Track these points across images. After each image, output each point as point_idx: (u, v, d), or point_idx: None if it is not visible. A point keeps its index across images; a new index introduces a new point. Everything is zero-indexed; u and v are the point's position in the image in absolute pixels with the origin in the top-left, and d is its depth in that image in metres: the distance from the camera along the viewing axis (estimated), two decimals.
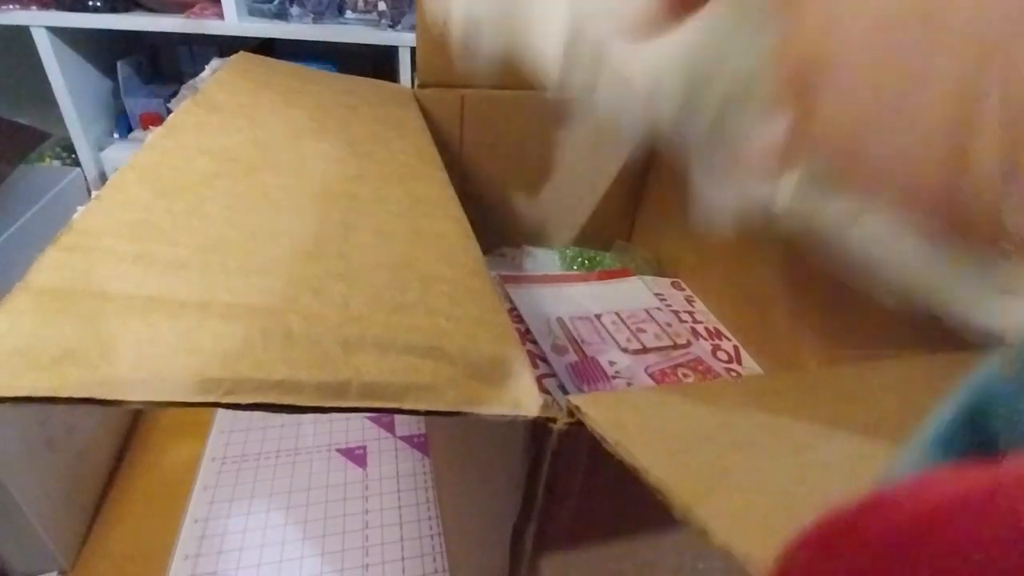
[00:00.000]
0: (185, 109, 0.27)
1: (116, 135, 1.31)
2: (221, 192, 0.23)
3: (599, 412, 0.17)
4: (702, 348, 0.49)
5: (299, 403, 0.16)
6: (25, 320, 0.14)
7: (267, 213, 0.23)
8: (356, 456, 0.50)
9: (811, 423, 0.17)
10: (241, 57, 0.37)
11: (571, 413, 0.18)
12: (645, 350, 0.48)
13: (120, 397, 0.14)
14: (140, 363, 0.15)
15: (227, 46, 1.10)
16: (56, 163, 1.29)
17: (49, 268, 0.16)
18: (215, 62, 1.01)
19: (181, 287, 0.17)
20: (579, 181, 0.59)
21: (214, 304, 0.17)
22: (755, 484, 0.14)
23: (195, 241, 0.19)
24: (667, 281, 0.58)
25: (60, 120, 1.20)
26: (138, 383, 0.14)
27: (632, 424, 0.16)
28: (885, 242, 0.22)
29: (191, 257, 0.19)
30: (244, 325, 0.17)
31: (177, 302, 0.17)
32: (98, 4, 1.10)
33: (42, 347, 0.14)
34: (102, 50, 1.26)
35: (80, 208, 0.18)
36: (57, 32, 1.13)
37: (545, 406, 0.18)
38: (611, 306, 0.52)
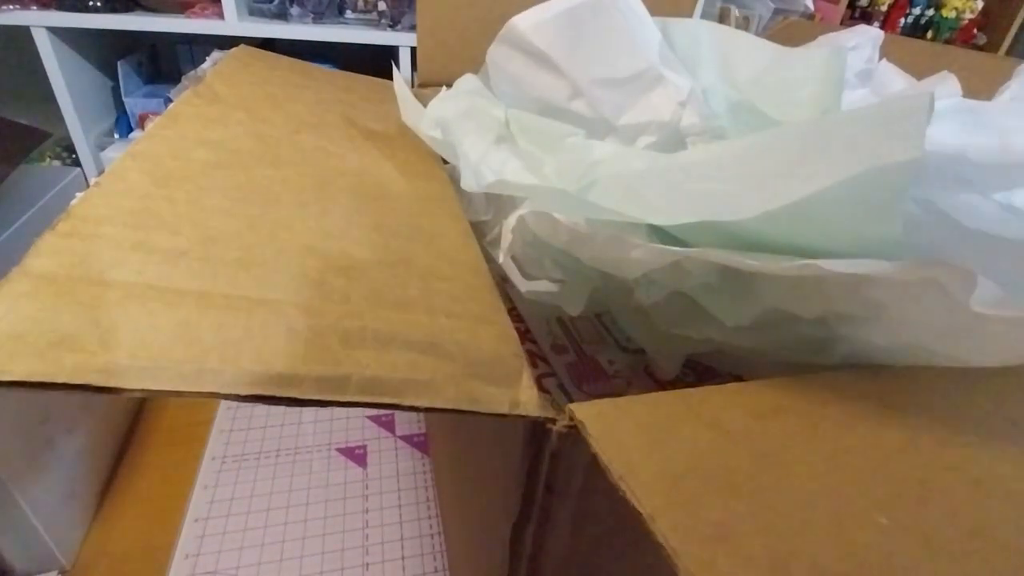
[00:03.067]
0: (185, 100, 0.27)
1: (116, 135, 1.31)
2: (221, 183, 0.23)
3: (602, 429, 0.17)
4: None
5: (298, 396, 0.16)
6: (22, 305, 0.14)
7: (267, 206, 0.22)
8: (356, 455, 0.50)
9: (815, 455, 0.16)
10: (242, 50, 0.36)
11: (571, 418, 0.17)
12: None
13: (117, 384, 0.14)
14: (138, 351, 0.14)
15: (227, 46, 1.10)
16: (56, 163, 1.29)
17: (47, 253, 0.16)
18: (216, 53, 1.01)
19: (181, 276, 0.17)
20: None
21: (214, 294, 0.17)
22: (759, 548, 0.14)
23: (195, 231, 0.19)
24: None
25: (60, 120, 1.20)
26: (136, 371, 0.14)
27: (635, 449, 0.16)
28: None
29: (191, 247, 0.19)
30: (244, 316, 0.17)
31: (177, 291, 0.17)
32: (98, 4, 1.10)
33: (39, 332, 0.14)
34: (102, 50, 1.26)
35: (79, 195, 0.18)
36: (57, 32, 1.13)
37: (544, 406, 0.18)
38: None
